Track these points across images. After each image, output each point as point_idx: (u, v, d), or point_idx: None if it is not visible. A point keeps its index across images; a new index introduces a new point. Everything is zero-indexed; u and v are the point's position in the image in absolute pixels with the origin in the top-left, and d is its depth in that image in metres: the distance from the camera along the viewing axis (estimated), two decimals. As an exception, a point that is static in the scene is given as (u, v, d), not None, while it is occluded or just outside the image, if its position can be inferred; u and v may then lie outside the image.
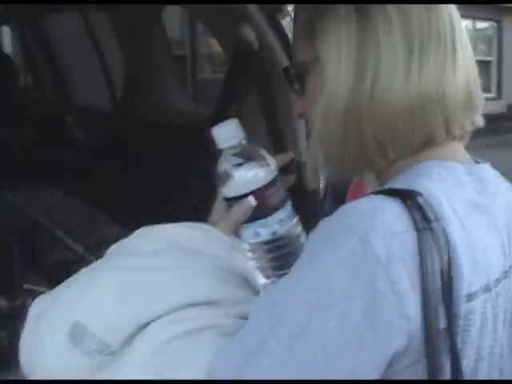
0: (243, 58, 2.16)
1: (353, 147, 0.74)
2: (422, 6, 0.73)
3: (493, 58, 13.64)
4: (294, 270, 0.67)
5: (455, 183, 0.71)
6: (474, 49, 0.90)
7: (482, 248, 0.69)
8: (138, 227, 0.79)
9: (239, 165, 0.75)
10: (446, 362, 0.64)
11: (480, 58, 12.08)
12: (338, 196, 1.46)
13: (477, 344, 0.68)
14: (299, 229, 0.79)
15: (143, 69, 3.03)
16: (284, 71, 0.87)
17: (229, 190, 0.76)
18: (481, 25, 13.49)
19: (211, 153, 0.78)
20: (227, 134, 0.76)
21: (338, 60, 0.74)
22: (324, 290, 0.62)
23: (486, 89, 11.90)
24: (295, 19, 0.90)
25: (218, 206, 0.82)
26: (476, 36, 12.96)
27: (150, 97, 3.04)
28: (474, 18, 12.52)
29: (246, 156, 0.76)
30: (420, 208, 0.64)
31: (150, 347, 0.69)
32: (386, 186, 0.72)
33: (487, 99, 10.93)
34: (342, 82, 0.73)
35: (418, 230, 0.63)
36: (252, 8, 2.06)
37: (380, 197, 0.66)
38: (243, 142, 0.77)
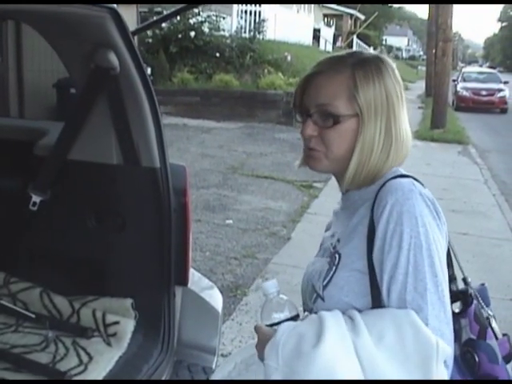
0: (100, 79, 2.15)
1: (371, 173, 1.23)
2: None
3: None
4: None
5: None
6: None
7: None
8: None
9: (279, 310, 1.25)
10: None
11: None
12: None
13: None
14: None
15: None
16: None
17: (272, 320, 1.25)
18: None
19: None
20: (271, 286, 1.27)
21: (374, 123, 1.21)
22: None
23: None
24: (334, 71, 1.25)
25: (265, 329, 1.23)
26: None
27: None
28: None
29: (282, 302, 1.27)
30: (417, 180, 1.22)
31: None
32: (392, 175, 1.23)
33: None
34: (377, 137, 1.21)
35: (425, 188, 1.21)
36: (113, 31, 2.06)
37: (408, 179, 1.21)
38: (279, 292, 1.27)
